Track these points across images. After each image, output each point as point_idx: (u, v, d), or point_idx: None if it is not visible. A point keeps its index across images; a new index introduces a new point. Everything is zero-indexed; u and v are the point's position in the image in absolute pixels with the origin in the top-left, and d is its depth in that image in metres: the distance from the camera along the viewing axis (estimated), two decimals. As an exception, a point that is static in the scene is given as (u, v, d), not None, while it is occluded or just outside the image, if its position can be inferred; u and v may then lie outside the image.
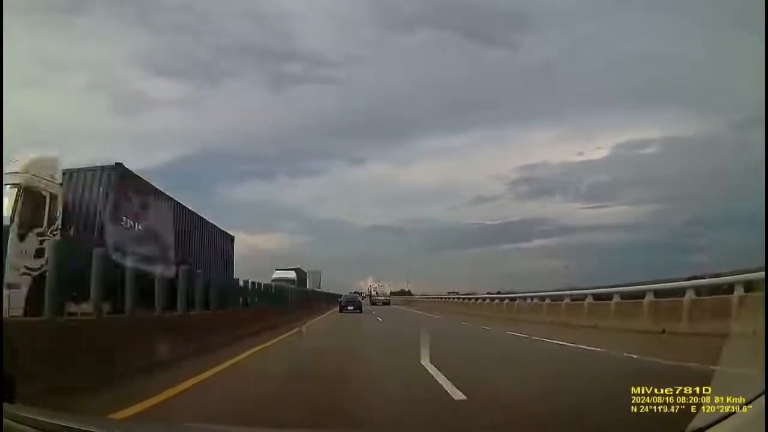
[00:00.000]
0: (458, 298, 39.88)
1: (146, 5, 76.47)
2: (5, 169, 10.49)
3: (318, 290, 53.22)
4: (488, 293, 35.09)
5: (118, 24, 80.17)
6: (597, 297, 17.84)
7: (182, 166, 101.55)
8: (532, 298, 24.04)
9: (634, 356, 8.69)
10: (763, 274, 9.56)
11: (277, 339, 12.78)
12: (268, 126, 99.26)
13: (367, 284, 72.39)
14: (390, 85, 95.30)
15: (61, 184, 12.88)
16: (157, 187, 16.47)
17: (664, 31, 72.96)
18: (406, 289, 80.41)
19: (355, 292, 51.58)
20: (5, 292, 6.20)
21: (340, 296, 43.78)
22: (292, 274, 45.86)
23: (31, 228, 11.41)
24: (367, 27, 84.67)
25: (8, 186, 10.91)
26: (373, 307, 47.99)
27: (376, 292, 63.73)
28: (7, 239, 6.15)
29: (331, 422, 4.49)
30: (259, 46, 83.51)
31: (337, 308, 36.98)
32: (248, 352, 9.68)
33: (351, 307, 36.06)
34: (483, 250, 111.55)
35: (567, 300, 19.98)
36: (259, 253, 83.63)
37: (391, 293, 67.76)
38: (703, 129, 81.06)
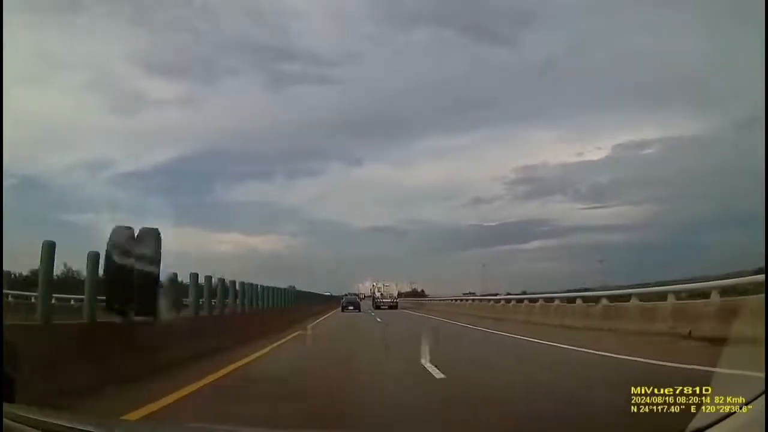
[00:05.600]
0: (478, 300, 39.21)
1: (144, 2, 77.22)
2: None
3: (323, 294, 53.56)
4: (508, 294, 34.57)
5: (116, 21, 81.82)
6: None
7: (179, 165, 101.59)
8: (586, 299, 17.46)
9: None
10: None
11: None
12: (266, 125, 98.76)
13: (368, 285, 62.17)
14: (390, 84, 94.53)
15: None
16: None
17: (665, 30, 71.30)
18: (419, 290, 73.07)
19: (354, 294, 55.25)
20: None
21: (342, 297, 50.79)
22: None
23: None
24: (367, 25, 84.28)
25: None
26: (377, 311, 42.55)
27: (381, 293, 53.65)
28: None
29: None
30: (258, 44, 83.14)
31: (339, 308, 44.32)
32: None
33: (351, 307, 44.43)
34: (492, 249, 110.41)
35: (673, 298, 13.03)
36: (257, 255, 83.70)
37: (400, 294, 58.15)
38: (705, 128, 78.85)
